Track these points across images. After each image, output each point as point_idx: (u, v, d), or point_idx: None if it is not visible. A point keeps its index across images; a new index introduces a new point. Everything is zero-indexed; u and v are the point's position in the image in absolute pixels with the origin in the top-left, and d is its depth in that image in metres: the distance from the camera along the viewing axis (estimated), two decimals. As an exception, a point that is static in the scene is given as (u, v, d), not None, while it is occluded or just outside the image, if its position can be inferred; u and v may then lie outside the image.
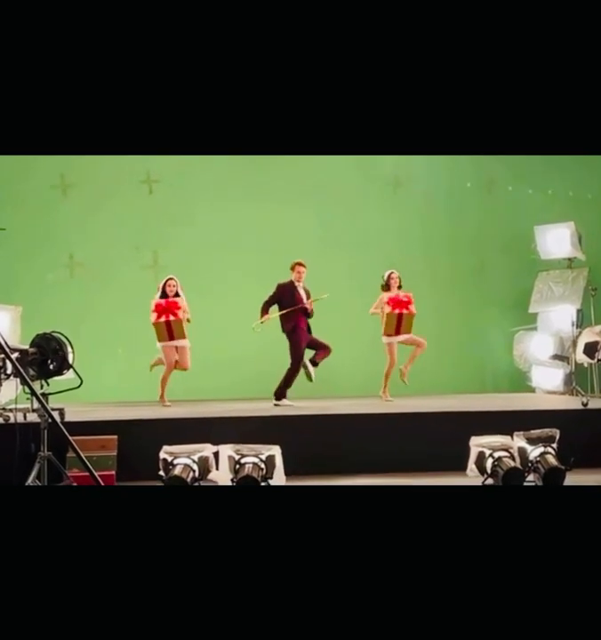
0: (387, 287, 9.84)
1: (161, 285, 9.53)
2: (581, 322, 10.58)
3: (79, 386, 6.21)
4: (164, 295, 9.45)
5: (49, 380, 6.35)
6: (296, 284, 9.60)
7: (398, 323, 9.66)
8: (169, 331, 9.37)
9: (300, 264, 9.63)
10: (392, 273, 9.87)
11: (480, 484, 6.37)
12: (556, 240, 11.28)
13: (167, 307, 9.37)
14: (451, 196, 11.89)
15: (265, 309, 9.52)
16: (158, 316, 9.37)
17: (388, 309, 9.70)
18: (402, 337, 9.78)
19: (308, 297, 9.62)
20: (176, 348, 9.48)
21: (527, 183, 11.80)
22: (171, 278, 9.56)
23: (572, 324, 10.43)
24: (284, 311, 9.44)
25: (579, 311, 10.76)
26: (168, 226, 11.49)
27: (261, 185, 11.04)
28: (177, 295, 9.47)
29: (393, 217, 11.80)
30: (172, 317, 9.35)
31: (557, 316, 11.17)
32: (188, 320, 9.48)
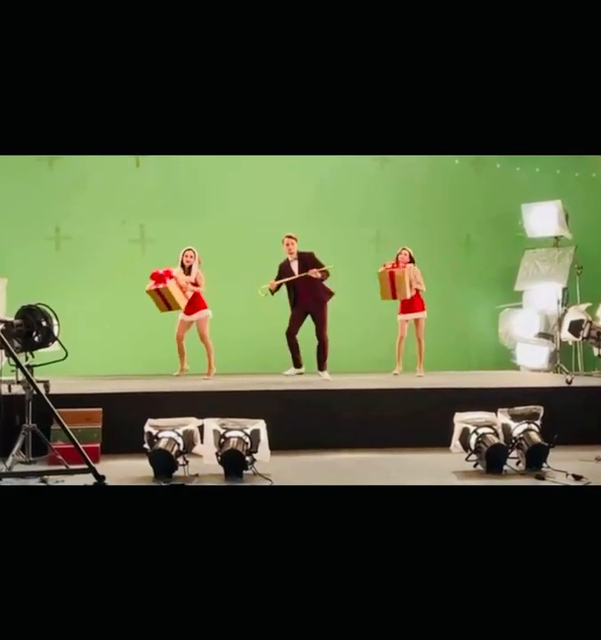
0: (397, 264, 9.83)
1: (180, 257, 9.53)
2: (567, 300, 10.63)
3: (64, 358, 6.22)
4: (181, 266, 9.49)
5: (34, 353, 6.35)
6: (289, 257, 9.54)
7: (391, 282, 9.65)
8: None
9: (287, 236, 9.54)
10: (403, 249, 9.92)
11: (464, 460, 6.41)
12: (543, 218, 11.32)
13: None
14: (438, 173, 11.85)
15: (276, 288, 9.51)
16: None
17: (381, 269, 9.73)
18: (409, 315, 9.89)
19: (306, 266, 9.47)
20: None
21: (515, 161, 11.78)
22: (188, 249, 9.57)
23: (558, 303, 10.48)
24: (283, 280, 9.46)
25: (564, 289, 10.82)
26: (155, 199, 11.44)
27: (250, 156, 10.96)
28: (190, 267, 9.51)
29: (380, 193, 11.77)
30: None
31: (543, 294, 11.22)
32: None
